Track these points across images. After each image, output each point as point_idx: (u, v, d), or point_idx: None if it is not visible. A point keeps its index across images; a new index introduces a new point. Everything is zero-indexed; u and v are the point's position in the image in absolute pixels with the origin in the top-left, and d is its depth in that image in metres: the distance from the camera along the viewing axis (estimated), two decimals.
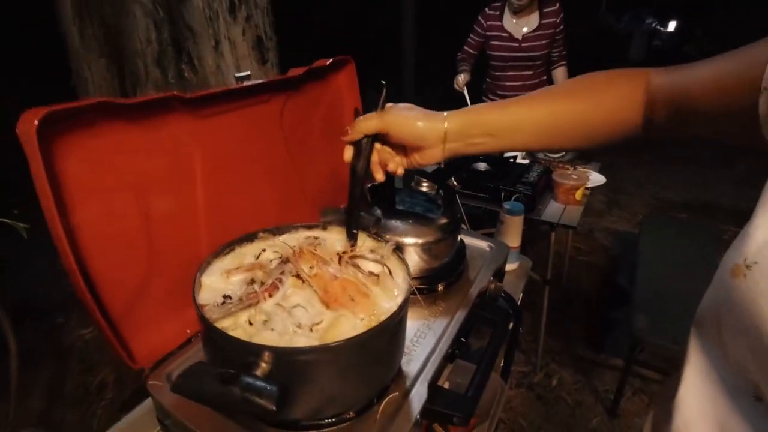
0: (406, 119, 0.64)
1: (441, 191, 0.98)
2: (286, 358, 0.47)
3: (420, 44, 4.90)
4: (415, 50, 4.84)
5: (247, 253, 0.67)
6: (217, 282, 0.61)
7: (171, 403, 0.59)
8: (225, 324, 0.52)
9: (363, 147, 0.66)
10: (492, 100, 2.46)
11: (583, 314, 2.37)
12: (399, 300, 0.57)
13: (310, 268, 0.63)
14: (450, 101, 2.27)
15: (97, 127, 0.58)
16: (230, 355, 0.50)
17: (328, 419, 0.56)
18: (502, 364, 1.10)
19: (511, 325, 1.01)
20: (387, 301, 0.59)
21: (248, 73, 0.78)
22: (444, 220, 0.84)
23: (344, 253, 0.67)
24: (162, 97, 0.63)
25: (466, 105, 2.33)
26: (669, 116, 0.53)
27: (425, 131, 0.63)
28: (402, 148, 0.68)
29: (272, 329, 0.51)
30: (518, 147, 0.64)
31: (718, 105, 0.47)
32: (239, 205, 0.81)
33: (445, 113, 0.64)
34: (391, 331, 0.55)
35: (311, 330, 0.52)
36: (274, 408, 0.40)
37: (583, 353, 2.10)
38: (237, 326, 0.53)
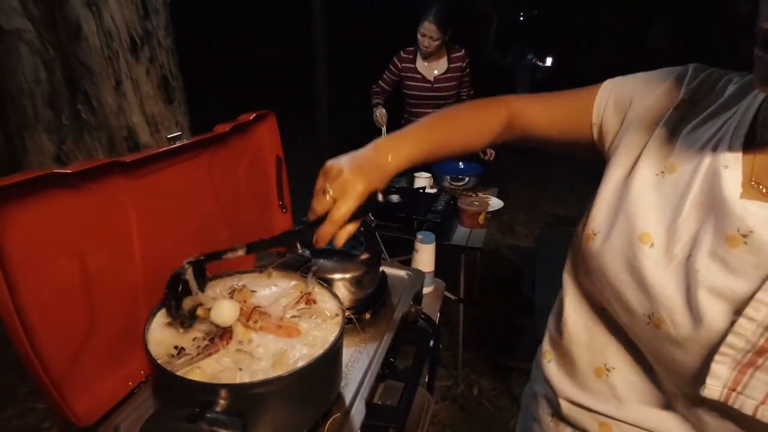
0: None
1: (361, 228, 1.09)
2: (241, 393, 0.54)
3: (331, 76, 5.06)
4: (327, 83, 4.99)
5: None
6: (162, 334, 0.66)
7: None
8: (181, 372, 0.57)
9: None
10: None
11: (495, 325, 2.60)
12: (336, 330, 0.66)
13: (255, 322, 0.69)
14: (364, 129, 2.43)
15: (38, 196, 0.61)
16: (189, 398, 0.55)
17: None
18: (426, 380, 1.22)
19: (431, 342, 1.14)
20: (321, 332, 0.68)
21: (179, 133, 0.83)
22: (366, 255, 0.95)
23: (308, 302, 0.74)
24: (104, 162, 0.67)
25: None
26: (517, 132, 0.78)
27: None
28: None
29: (240, 369, 0.58)
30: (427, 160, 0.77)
31: (547, 130, 0.75)
32: (174, 254, 0.84)
33: (389, 156, 0.69)
34: (331, 358, 0.64)
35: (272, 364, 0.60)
36: None
37: (498, 361, 2.30)
38: (191, 371, 0.58)
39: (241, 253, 0.69)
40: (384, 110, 2.57)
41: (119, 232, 0.75)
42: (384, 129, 2.52)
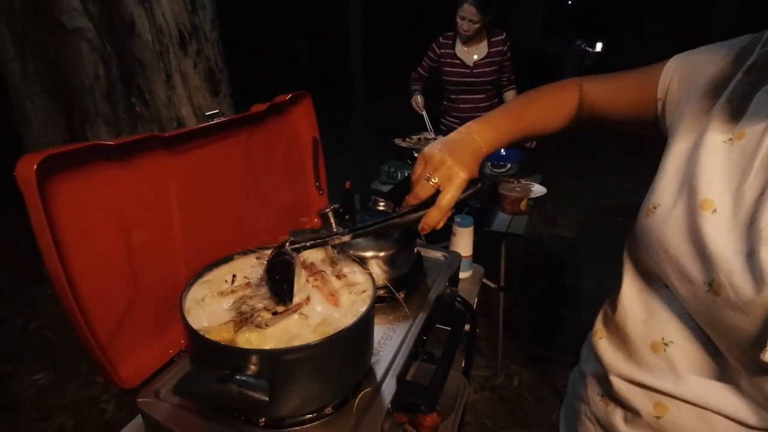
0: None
1: (396, 209, 1.08)
2: (271, 359, 0.55)
3: (367, 64, 5.08)
4: (362, 68, 5.02)
5: (218, 278, 0.73)
6: (206, 302, 0.67)
7: (163, 416, 0.64)
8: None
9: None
10: (449, 121, 2.65)
11: (536, 316, 2.53)
12: (365, 305, 0.66)
13: (315, 280, 0.70)
14: (402, 115, 2.41)
15: (86, 169, 0.64)
16: (221, 363, 0.57)
17: (309, 414, 0.63)
18: (463, 365, 1.20)
19: (467, 326, 1.12)
20: (357, 305, 0.67)
21: (217, 111, 0.85)
22: (399, 234, 0.94)
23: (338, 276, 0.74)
24: (145, 137, 0.70)
25: (425, 124, 2.49)
26: (586, 113, 0.79)
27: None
28: None
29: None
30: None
31: (613, 109, 0.76)
32: (212, 231, 0.87)
33: (481, 142, 0.73)
34: (361, 330, 0.63)
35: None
36: (267, 399, 0.48)
37: (539, 353, 2.24)
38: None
39: (346, 238, 0.72)
40: (420, 97, 2.54)
41: (161, 206, 0.77)
42: (425, 114, 2.49)
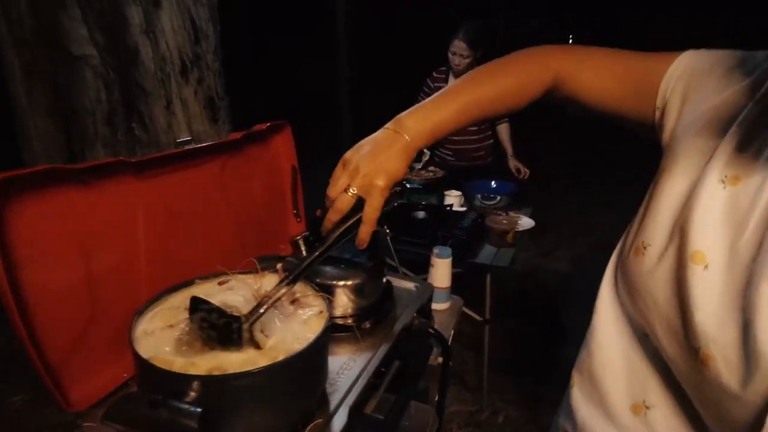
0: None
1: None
2: (212, 385, 0.55)
3: (354, 102, 5.19)
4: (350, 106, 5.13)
5: (178, 304, 0.73)
6: (156, 332, 0.67)
7: None
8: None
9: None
10: (442, 153, 2.68)
11: (528, 351, 2.48)
12: (318, 329, 0.65)
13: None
14: None
15: (46, 191, 0.66)
16: (161, 387, 0.57)
17: None
18: (436, 399, 1.18)
19: (440, 360, 1.11)
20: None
21: (189, 138, 0.88)
22: (370, 264, 0.94)
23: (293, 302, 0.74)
24: (112, 162, 0.72)
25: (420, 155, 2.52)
26: (562, 95, 0.68)
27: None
28: None
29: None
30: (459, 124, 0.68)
31: (601, 101, 0.65)
32: (180, 257, 0.88)
33: (407, 136, 0.64)
34: (311, 356, 0.63)
35: None
36: (196, 426, 0.48)
37: (528, 389, 2.19)
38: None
39: (283, 290, 0.68)
40: None
41: (126, 230, 0.79)
42: (423, 151, 2.53)
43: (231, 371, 0.57)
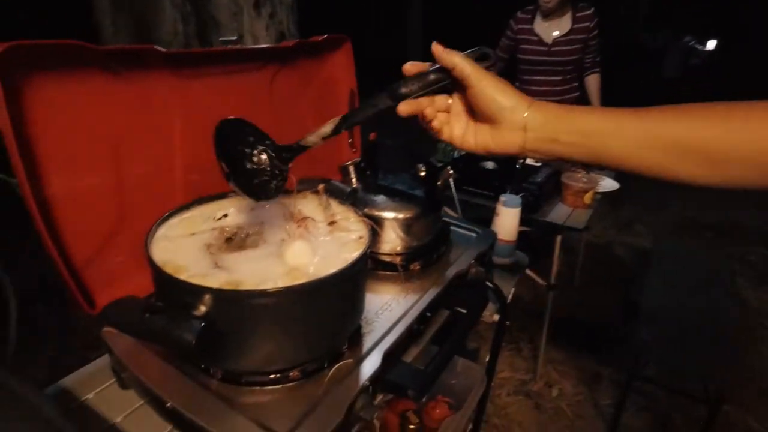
0: (494, 79, 0.53)
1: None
2: (222, 301, 0.46)
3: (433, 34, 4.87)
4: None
5: (209, 213, 0.66)
6: (179, 236, 0.61)
7: (121, 350, 0.59)
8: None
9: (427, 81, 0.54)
10: None
11: (591, 325, 2.29)
12: (355, 254, 0.55)
13: (298, 227, 0.61)
14: None
15: (71, 74, 0.59)
16: (170, 295, 0.50)
17: (272, 375, 0.55)
18: (487, 359, 1.07)
19: (495, 317, 0.98)
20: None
21: (234, 38, 0.78)
22: (423, 200, 0.82)
23: (331, 223, 0.65)
24: (139, 48, 0.64)
25: None
26: None
27: (505, 102, 0.52)
28: (473, 115, 0.56)
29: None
30: (613, 158, 0.50)
31: None
32: (218, 169, 0.81)
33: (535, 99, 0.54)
34: (341, 285, 0.53)
35: None
36: (193, 341, 0.40)
37: (587, 365, 2.02)
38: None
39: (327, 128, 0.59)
40: None
41: (160, 133, 0.72)
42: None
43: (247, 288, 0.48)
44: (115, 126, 0.66)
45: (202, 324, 0.41)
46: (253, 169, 0.54)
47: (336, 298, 0.53)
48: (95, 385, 0.65)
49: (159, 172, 0.73)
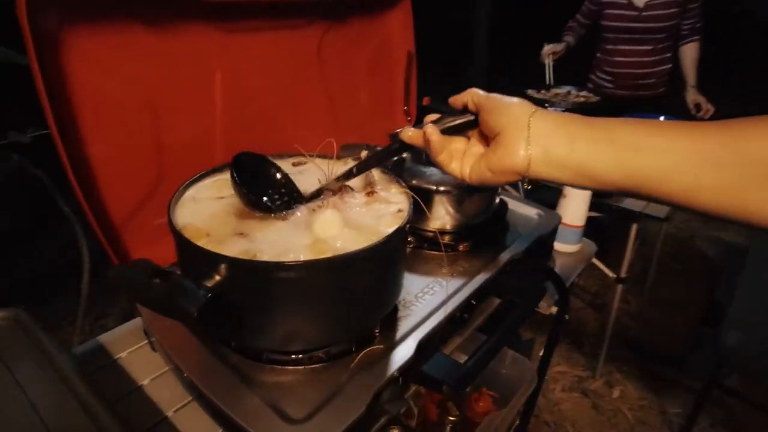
0: (498, 98, 0.47)
1: None
2: (236, 270, 0.42)
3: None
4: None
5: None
6: (207, 198, 0.57)
7: (148, 314, 0.57)
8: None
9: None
10: (599, 78, 2.20)
11: (665, 325, 2.08)
12: (392, 228, 0.49)
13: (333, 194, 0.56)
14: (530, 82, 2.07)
15: (109, 25, 0.56)
16: (186, 261, 0.46)
17: (293, 355, 0.50)
18: (541, 353, 0.98)
19: (553, 309, 0.89)
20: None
21: None
22: None
23: (369, 193, 0.59)
24: None
25: (545, 79, 2.12)
26: None
27: (506, 101, 0.45)
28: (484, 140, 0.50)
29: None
30: (659, 182, 0.38)
31: None
32: (260, 130, 0.77)
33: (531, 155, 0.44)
34: (373, 262, 0.47)
35: None
36: (195, 313, 0.35)
37: (655, 367, 1.84)
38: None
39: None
40: (561, 45, 2.13)
41: (201, 91, 0.69)
42: (548, 63, 2.10)
43: (264, 258, 0.43)
44: (154, 82, 0.63)
45: (209, 295, 0.37)
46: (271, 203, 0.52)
47: (365, 277, 0.47)
48: (129, 345, 0.65)
49: (198, 132, 0.70)
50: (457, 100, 0.50)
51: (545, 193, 1.47)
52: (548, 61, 2.09)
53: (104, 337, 0.67)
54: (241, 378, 0.48)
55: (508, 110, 0.45)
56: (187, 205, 0.53)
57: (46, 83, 0.50)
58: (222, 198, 0.55)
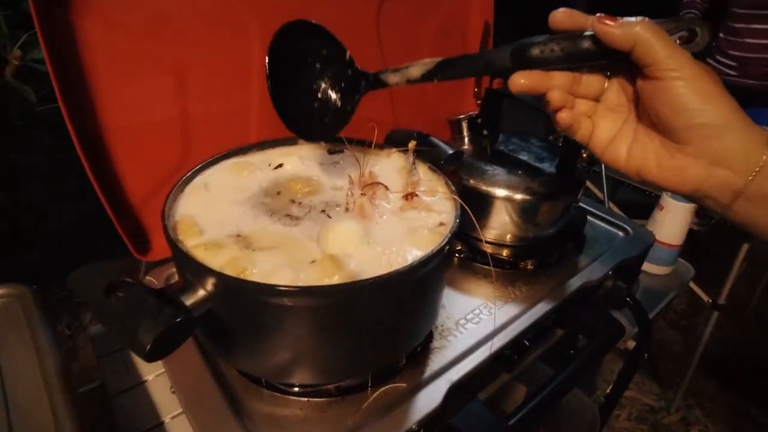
0: (701, 72, 0.30)
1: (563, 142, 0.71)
2: (221, 288, 0.34)
3: None
4: None
5: (265, 160, 0.53)
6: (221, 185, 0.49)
7: None
8: None
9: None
10: (719, 64, 1.87)
11: (761, 362, 1.78)
12: (428, 249, 0.38)
13: (362, 194, 0.46)
14: None
15: None
16: (178, 265, 0.39)
17: (298, 387, 0.42)
18: (608, 391, 0.83)
19: (629, 343, 0.74)
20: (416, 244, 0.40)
21: None
22: (554, 177, 0.60)
23: (408, 196, 0.48)
24: None
25: None
26: None
27: (714, 116, 0.29)
28: (641, 116, 0.34)
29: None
30: None
31: None
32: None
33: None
34: (397, 290, 0.37)
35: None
36: (147, 348, 0.27)
37: (747, 409, 1.58)
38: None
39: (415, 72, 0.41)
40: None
41: (235, 60, 0.60)
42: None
43: (252, 277, 0.34)
44: (182, 49, 0.56)
45: (176, 319, 0.29)
46: (307, 89, 0.39)
47: (382, 309, 0.37)
48: None
49: (231, 108, 0.62)
50: (616, 33, 0.29)
51: (625, 190, 1.26)
52: None
53: None
54: (231, 403, 0.41)
55: (712, 119, 0.29)
56: (197, 193, 0.46)
57: (49, 42, 0.44)
58: (237, 187, 0.47)
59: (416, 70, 0.40)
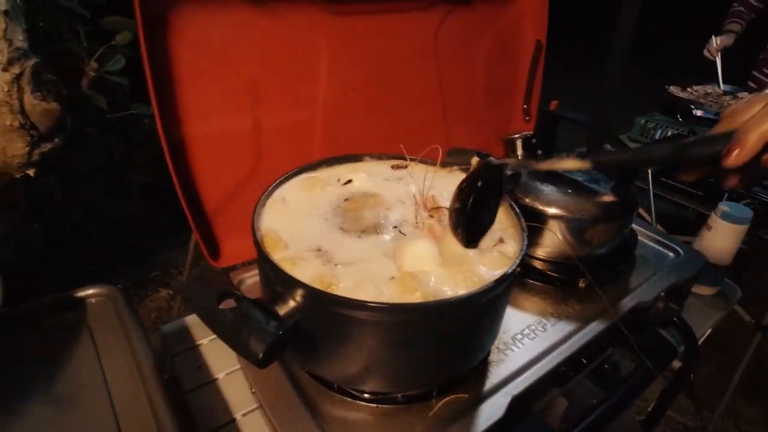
0: None
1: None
2: (309, 300, 0.37)
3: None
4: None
5: (334, 175, 0.56)
6: (297, 200, 0.53)
7: None
8: None
9: None
10: (763, 78, 1.83)
11: None
12: (497, 274, 0.40)
13: (430, 217, 0.49)
14: (689, 57, 1.69)
15: (213, 4, 0.54)
16: (267, 277, 0.42)
17: (368, 393, 0.45)
18: (649, 409, 0.83)
19: (676, 364, 0.74)
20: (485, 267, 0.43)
21: None
22: (609, 198, 0.61)
23: None
24: None
25: (717, 80, 1.78)
26: None
27: None
28: None
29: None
30: None
31: None
32: (364, 123, 0.71)
33: None
34: (469, 311, 0.39)
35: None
36: (260, 355, 0.31)
37: None
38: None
39: (577, 164, 0.44)
40: (723, 38, 1.77)
41: (304, 77, 0.64)
42: (718, 60, 1.75)
43: (338, 291, 0.37)
44: (257, 65, 0.60)
45: (279, 332, 0.32)
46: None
47: (457, 325, 0.39)
48: (210, 332, 0.65)
49: (299, 120, 0.66)
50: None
51: (659, 203, 1.24)
52: (718, 59, 1.76)
53: (190, 319, 0.67)
54: (306, 403, 0.44)
55: None
56: (276, 207, 0.49)
57: (152, 62, 0.49)
58: (311, 202, 0.51)
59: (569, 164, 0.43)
